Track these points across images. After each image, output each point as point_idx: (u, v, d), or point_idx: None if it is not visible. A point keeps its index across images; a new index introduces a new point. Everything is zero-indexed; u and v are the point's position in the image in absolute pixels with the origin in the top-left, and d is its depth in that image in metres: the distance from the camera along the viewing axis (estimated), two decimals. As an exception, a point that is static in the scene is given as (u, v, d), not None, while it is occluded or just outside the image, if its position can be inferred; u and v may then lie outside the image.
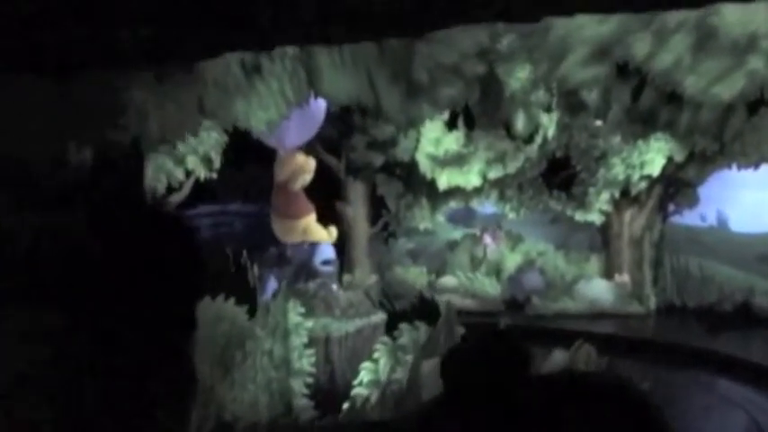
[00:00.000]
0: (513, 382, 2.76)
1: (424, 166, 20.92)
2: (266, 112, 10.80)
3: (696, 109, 14.32)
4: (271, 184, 14.35)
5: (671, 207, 22.24)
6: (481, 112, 18.48)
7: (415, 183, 21.85)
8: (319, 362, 12.22)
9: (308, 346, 11.97)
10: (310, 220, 14.29)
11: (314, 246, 14.39)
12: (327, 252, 14.71)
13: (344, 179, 21.64)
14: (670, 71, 12.03)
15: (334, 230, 14.73)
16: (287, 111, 11.06)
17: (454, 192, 21.58)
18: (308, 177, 13.89)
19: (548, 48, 12.69)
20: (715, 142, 17.12)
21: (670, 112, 14.58)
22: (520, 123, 18.84)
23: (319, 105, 13.04)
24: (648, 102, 14.49)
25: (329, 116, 18.47)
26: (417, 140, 20.87)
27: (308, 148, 20.14)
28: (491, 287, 22.26)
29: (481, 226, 23.80)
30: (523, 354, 3.16)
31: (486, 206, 23.30)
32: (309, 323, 12.18)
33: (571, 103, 15.57)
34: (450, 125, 20.52)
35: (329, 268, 14.60)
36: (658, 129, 15.31)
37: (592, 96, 14.81)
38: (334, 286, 13.84)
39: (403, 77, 11.56)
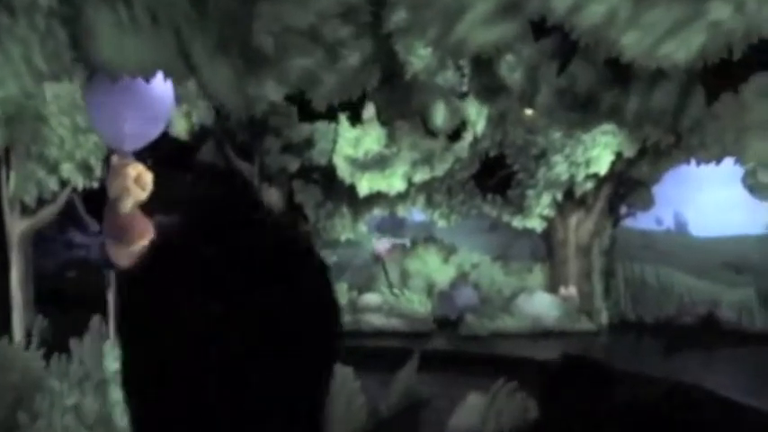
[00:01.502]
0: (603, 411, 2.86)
1: (343, 170, 19.34)
2: (-1, 88, 8.08)
3: (646, 92, 12.81)
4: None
5: (623, 209, 20.98)
6: (386, 102, 16.09)
7: (334, 189, 20.39)
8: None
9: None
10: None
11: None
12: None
13: (258, 186, 20.01)
14: (601, 27, 9.38)
15: None
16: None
17: (377, 198, 20.01)
18: (142, 196, 11.50)
19: (439, 4, 10.19)
20: (670, 134, 15.25)
21: (614, 95, 12.93)
22: (439, 116, 16.60)
23: (163, 96, 10.63)
24: (587, 82, 12.64)
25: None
26: (334, 141, 19.40)
27: (220, 152, 19.55)
28: (420, 305, 20.57)
29: (412, 235, 22.41)
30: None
31: (417, 213, 21.90)
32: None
33: (487, 86, 13.47)
34: (353, 119, 18.91)
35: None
36: (600, 117, 13.48)
37: (514, 76, 12.66)
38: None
39: (237, 45, 8.98)
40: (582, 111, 13.02)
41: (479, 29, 10.08)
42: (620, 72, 11.96)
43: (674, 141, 15.88)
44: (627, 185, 20.19)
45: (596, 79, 12.56)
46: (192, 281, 1.41)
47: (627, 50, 9.43)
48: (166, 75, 8.49)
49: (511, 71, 12.79)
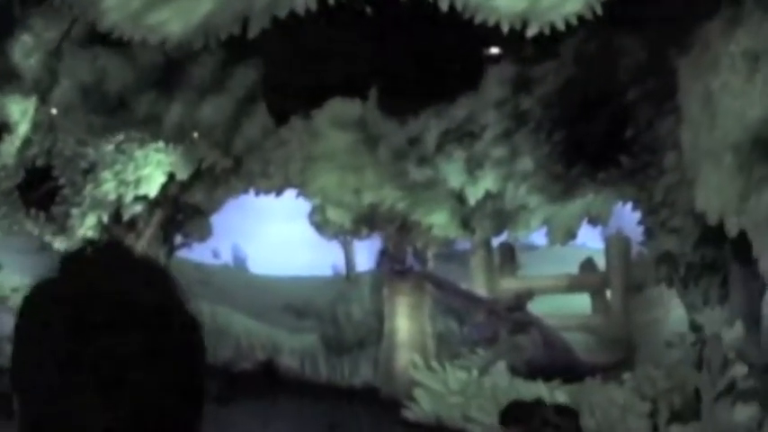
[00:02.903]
0: None
1: None
2: None
3: (193, 102, 11.60)
4: None
5: (178, 238, 19.75)
6: None
7: None
8: None
9: None
10: None
11: None
12: None
13: None
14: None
15: None
16: None
17: None
18: None
19: None
20: (226, 156, 14.41)
21: (153, 100, 11.63)
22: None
23: None
24: (120, 81, 11.38)
25: None
26: None
27: None
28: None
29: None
30: None
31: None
32: None
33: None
34: None
35: None
36: (133, 124, 12.80)
37: (30, 62, 11.49)
38: None
39: None
40: (109, 114, 11.92)
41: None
42: (164, 75, 10.85)
43: (232, 166, 14.95)
44: (185, 212, 19.03)
45: (133, 79, 11.33)
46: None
47: (107, 15, 8.02)
48: None
49: (26, 56, 11.39)
